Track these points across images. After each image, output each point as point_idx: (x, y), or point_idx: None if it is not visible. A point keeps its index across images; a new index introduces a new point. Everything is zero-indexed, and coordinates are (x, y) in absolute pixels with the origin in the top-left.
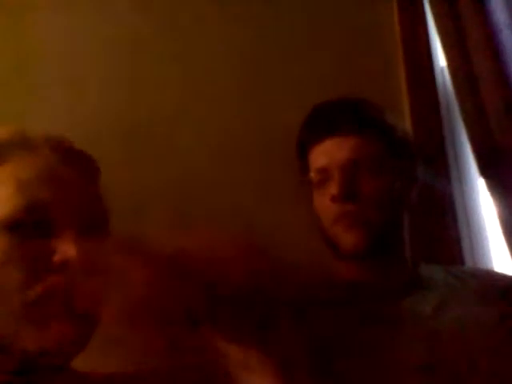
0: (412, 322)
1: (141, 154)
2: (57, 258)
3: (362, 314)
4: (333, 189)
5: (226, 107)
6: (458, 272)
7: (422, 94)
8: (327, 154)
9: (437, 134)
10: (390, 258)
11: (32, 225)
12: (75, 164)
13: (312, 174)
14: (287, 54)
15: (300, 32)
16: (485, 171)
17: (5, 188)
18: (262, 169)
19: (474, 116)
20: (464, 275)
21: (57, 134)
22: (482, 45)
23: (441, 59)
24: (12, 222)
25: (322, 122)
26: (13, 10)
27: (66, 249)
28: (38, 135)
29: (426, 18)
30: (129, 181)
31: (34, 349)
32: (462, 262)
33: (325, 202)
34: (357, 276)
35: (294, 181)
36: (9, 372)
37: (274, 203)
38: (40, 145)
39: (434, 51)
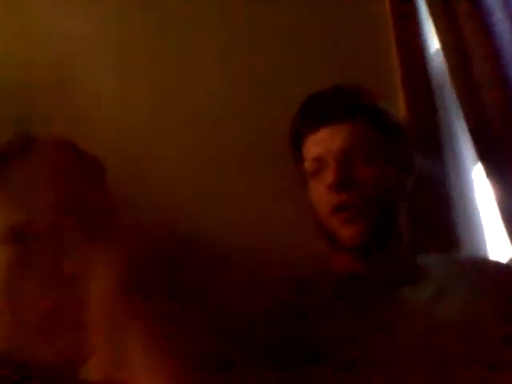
0: (410, 312)
1: (129, 155)
2: (66, 268)
3: (360, 305)
4: (328, 178)
5: (217, 100)
6: (454, 260)
7: (416, 79)
8: (321, 143)
9: (431, 122)
10: (387, 248)
11: (38, 234)
12: (79, 165)
13: (307, 164)
14: (278, 44)
15: (292, 23)
16: (482, 156)
17: (7, 198)
18: (254, 165)
19: (469, 100)
20: (460, 263)
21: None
22: (474, 27)
23: (433, 45)
24: (17, 232)
25: (316, 110)
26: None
27: (75, 259)
28: (42, 137)
29: (418, 2)
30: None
31: (45, 361)
32: (458, 251)
33: (320, 192)
34: (353, 267)
35: (286, 174)
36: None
37: (265, 198)
38: (44, 147)
39: (426, 34)
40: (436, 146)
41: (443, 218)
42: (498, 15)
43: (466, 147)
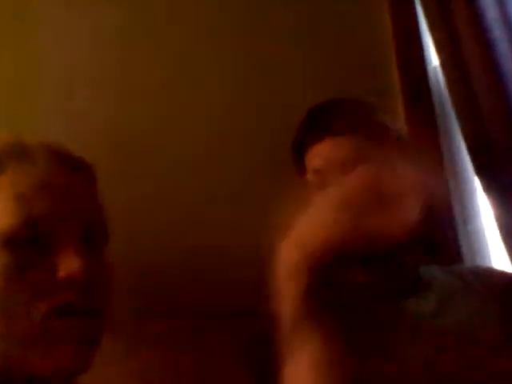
0: (413, 324)
1: (130, 161)
2: (61, 273)
3: (363, 316)
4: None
5: (216, 110)
6: (457, 271)
7: (416, 91)
8: (324, 155)
9: (431, 133)
10: (391, 260)
11: (32, 239)
12: (74, 171)
13: (309, 176)
14: (277, 52)
15: (290, 31)
16: (480, 170)
17: (4, 203)
18: (252, 173)
19: (468, 114)
20: (464, 274)
21: (53, 141)
22: (474, 41)
23: (434, 57)
24: (11, 237)
25: (318, 122)
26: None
27: (70, 263)
28: (36, 143)
29: (418, 16)
30: (116, 190)
31: (41, 371)
32: (461, 261)
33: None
34: (355, 278)
35: (285, 183)
36: None
37: (265, 207)
38: (38, 153)
39: (426, 49)
40: (436, 157)
41: (445, 229)
42: (497, 29)
43: (467, 157)
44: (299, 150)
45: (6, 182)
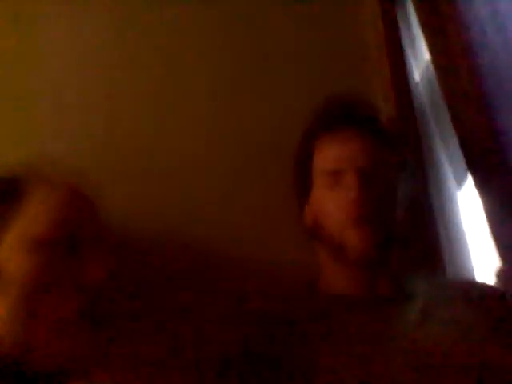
0: (395, 334)
1: (122, 168)
2: (89, 278)
3: (347, 326)
4: (351, 192)
5: (207, 115)
6: (439, 282)
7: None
8: (342, 156)
9: (413, 142)
10: (384, 267)
11: (62, 246)
12: (86, 201)
13: (321, 175)
14: (268, 54)
15: (281, 33)
16: (472, 168)
17: (36, 214)
18: (243, 178)
19: (460, 112)
20: (445, 285)
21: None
22: (466, 42)
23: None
24: (45, 241)
25: (336, 124)
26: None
27: (95, 270)
28: (55, 175)
29: (409, 14)
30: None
31: (61, 364)
32: (443, 270)
33: (337, 203)
34: (345, 286)
35: (279, 190)
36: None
37: (257, 214)
38: (58, 183)
39: (418, 50)
40: (418, 164)
41: (427, 239)
42: (489, 31)
43: (449, 169)
44: (308, 150)
45: (36, 200)
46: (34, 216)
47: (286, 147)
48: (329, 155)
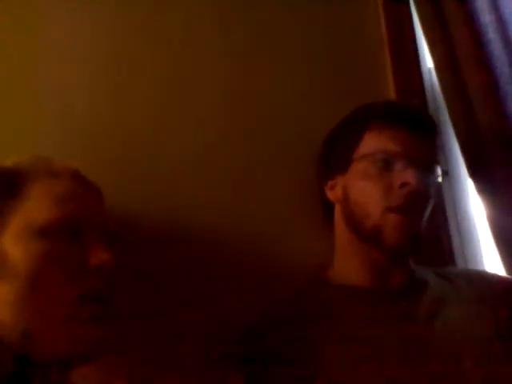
0: (407, 326)
1: (127, 163)
2: (93, 261)
3: (359, 316)
4: (408, 176)
5: (213, 115)
6: (448, 274)
7: (410, 93)
8: (405, 142)
9: None
10: (405, 260)
11: (67, 233)
12: (89, 187)
13: (362, 162)
14: (277, 60)
15: (285, 36)
16: (473, 172)
17: (40, 201)
18: (249, 176)
19: (461, 116)
20: (455, 277)
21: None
22: (467, 43)
23: (428, 60)
24: (49, 228)
25: (402, 111)
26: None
27: (101, 254)
28: (59, 163)
29: (413, 19)
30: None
31: (61, 352)
32: (453, 263)
33: (383, 190)
34: (364, 275)
35: (290, 183)
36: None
37: (265, 206)
38: (62, 171)
39: (421, 51)
40: None
41: (438, 230)
42: (491, 32)
43: (460, 159)
44: (358, 129)
45: (40, 188)
46: (37, 203)
47: (298, 141)
48: (382, 143)
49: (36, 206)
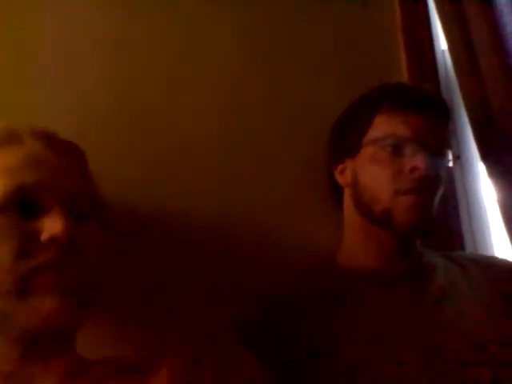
0: (415, 311)
1: (136, 148)
2: (44, 235)
3: (366, 300)
4: (418, 161)
5: (220, 102)
6: (458, 258)
7: (423, 78)
8: (415, 127)
9: None
10: (414, 244)
11: (20, 206)
12: (60, 150)
13: (372, 145)
14: (289, 48)
15: (298, 20)
16: (485, 156)
17: None
18: (260, 162)
19: (475, 100)
20: (464, 261)
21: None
22: (482, 27)
23: (442, 43)
24: (1, 203)
25: (417, 95)
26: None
27: (53, 226)
28: (23, 126)
29: (428, 4)
30: (123, 175)
31: (27, 325)
32: (463, 247)
33: (394, 173)
34: (373, 258)
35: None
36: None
37: (274, 190)
38: (25, 134)
39: (435, 35)
40: None
41: (448, 213)
42: (507, 16)
43: (472, 144)
44: (371, 111)
45: (9, 154)
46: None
47: (309, 125)
48: (392, 128)
49: None
